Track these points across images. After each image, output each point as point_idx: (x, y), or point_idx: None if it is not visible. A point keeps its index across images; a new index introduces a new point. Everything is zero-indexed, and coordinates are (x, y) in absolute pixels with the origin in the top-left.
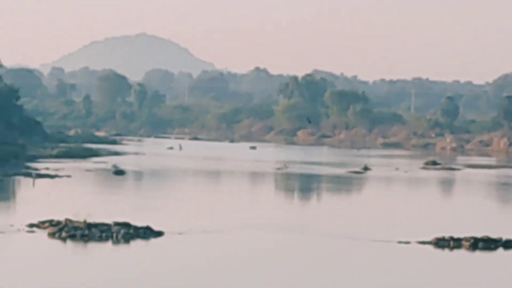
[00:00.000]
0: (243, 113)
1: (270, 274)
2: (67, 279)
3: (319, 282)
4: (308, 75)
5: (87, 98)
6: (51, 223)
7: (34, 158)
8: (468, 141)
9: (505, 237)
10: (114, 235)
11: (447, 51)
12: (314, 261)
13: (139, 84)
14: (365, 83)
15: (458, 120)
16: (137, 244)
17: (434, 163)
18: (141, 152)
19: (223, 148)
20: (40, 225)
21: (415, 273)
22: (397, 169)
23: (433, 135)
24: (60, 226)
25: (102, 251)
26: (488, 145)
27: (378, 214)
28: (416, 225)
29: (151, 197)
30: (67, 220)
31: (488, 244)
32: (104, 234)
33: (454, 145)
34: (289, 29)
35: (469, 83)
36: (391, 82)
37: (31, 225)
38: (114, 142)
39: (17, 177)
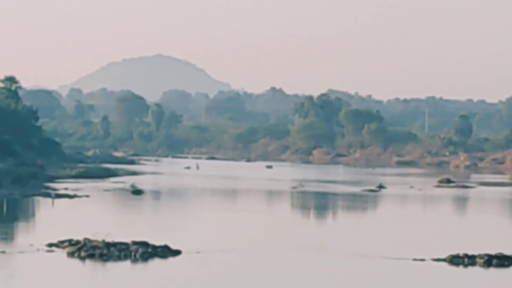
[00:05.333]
0: (259, 133)
1: None
2: None
3: None
4: (323, 94)
5: (105, 119)
6: (70, 242)
7: (53, 179)
8: (481, 159)
9: None
10: (133, 254)
11: (460, 71)
12: (330, 280)
13: (157, 105)
14: (380, 102)
15: (472, 139)
16: (155, 263)
17: (448, 181)
18: (158, 172)
19: (239, 167)
20: (59, 244)
21: None
22: (411, 187)
23: (447, 153)
24: (79, 245)
25: (121, 270)
26: (501, 163)
27: (393, 232)
28: (430, 242)
29: (169, 216)
30: (86, 239)
31: (502, 261)
32: (122, 253)
33: (467, 163)
34: (304, 50)
35: (482, 101)
36: (405, 101)
37: (50, 245)
38: (132, 162)
39: (36, 198)
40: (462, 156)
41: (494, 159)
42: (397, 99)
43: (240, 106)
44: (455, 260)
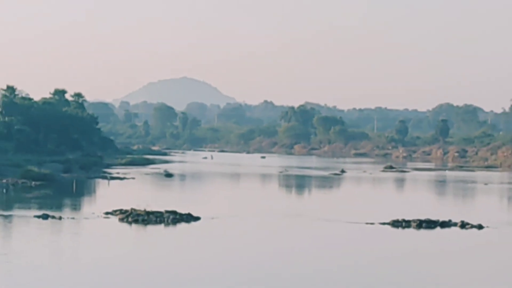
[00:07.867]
0: (256, 133)
1: (272, 247)
2: (132, 251)
3: (310, 250)
4: (302, 105)
5: (146, 123)
6: (121, 211)
7: (108, 166)
8: (415, 152)
9: (441, 219)
10: (166, 219)
11: (399, 88)
12: (305, 237)
13: (182, 113)
14: (342, 111)
15: (408, 137)
16: (182, 226)
17: (391, 167)
18: (184, 161)
19: (242, 157)
20: (113, 213)
21: (378, 245)
22: (364, 171)
23: (390, 147)
24: (127, 213)
25: (157, 231)
26: (429, 154)
27: (351, 203)
28: (378, 211)
29: (192, 192)
30: (132, 209)
31: (429, 224)
32: (158, 219)
33: (405, 154)
34: (288, 73)
35: (415, 110)
36: (360, 110)
37: (107, 213)
38: (165, 154)
39: (97, 179)
40: (401, 149)
41: (423, 152)
42: (354, 108)
43: (242, 113)
44: (396, 223)
